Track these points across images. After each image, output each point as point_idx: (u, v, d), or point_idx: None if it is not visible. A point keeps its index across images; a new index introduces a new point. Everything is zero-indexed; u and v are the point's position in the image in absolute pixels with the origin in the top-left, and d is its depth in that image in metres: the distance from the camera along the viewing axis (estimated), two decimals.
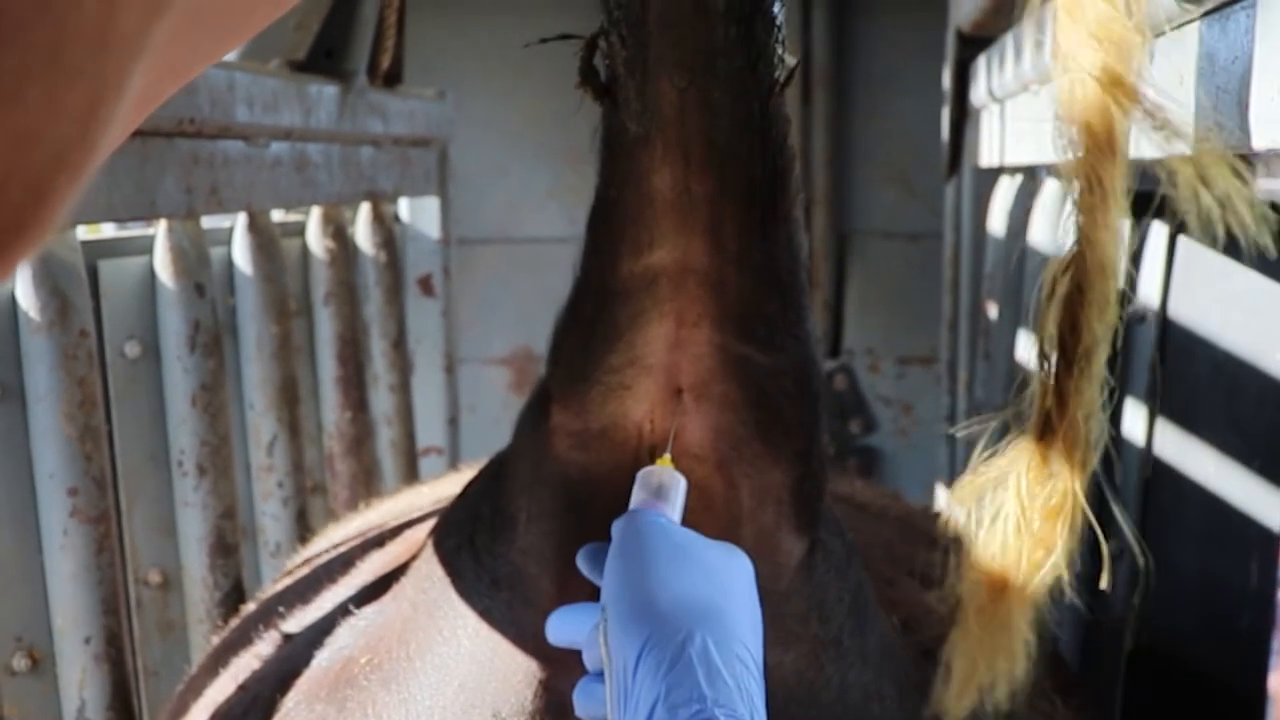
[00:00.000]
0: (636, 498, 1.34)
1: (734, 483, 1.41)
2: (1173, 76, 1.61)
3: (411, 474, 3.92)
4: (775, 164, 1.29)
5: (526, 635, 1.44)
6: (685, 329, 1.34)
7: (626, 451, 1.40)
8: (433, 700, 1.49)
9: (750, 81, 1.25)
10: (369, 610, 1.72)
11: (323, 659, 1.70)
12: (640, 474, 1.35)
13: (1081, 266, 1.17)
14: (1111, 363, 2.62)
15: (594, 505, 1.39)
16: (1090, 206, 1.14)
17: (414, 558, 1.69)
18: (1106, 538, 2.67)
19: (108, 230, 2.85)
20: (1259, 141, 1.31)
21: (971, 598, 1.14)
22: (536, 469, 1.45)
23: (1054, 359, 1.32)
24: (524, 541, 1.46)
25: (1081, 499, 1.23)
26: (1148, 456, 2.59)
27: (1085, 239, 1.11)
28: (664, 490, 1.33)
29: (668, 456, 1.36)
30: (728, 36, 1.23)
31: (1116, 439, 2.65)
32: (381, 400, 3.79)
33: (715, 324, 1.34)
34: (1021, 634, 1.19)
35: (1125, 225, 1.15)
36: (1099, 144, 1.24)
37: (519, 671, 1.44)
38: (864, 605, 1.56)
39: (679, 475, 1.35)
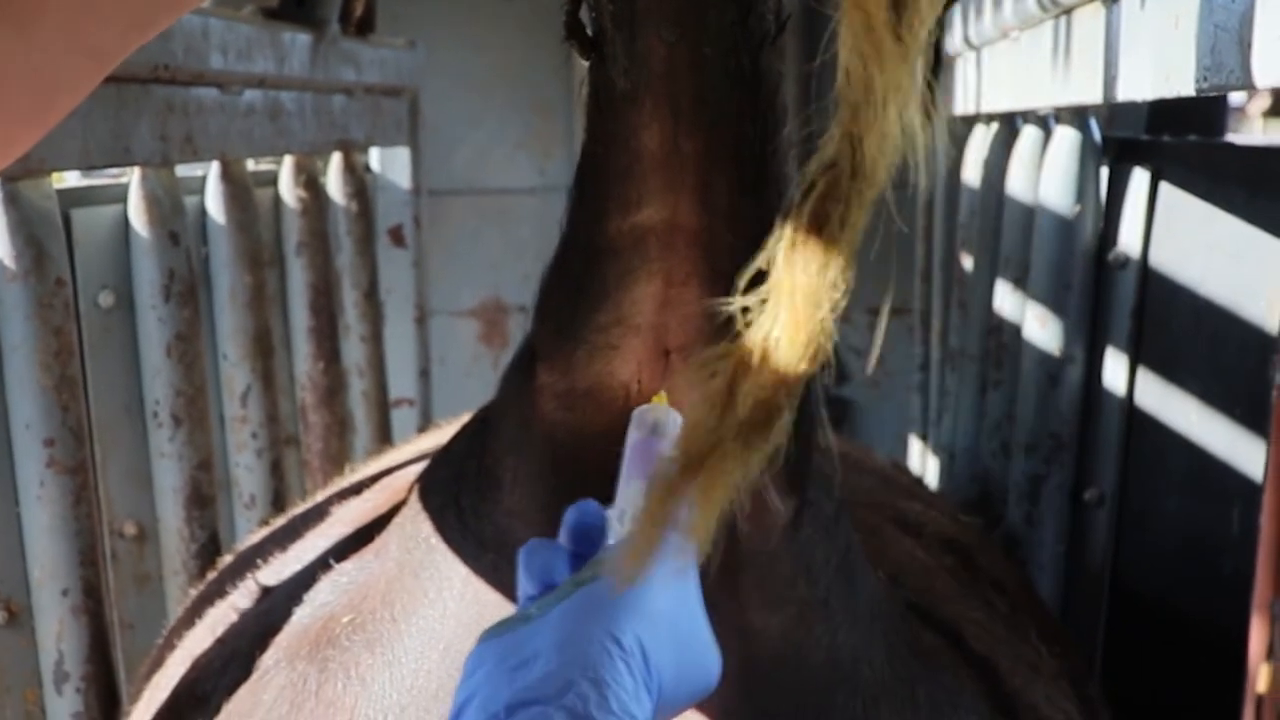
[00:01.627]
0: (633, 436, 1.31)
1: None
2: (1167, 18, 1.59)
3: (384, 426, 3.91)
4: (766, 121, 1.27)
5: (513, 598, 1.42)
6: (674, 288, 1.32)
7: (614, 412, 1.37)
8: (418, 664, 1.48)
9: (741, 36, 1.23)
10: (349, 565, 1.70)
11: (303, 615, 1.68)
12: (636, 412, 1.33)
13: (843, 171, 1.03)
14: (1092, 310, 2.64)
15: (581, 466, 1.37)
16: (864, 97, 1.00)
17: (396, 511, 1.68)
18: (1087, 485, 2.69)
19: (71, 179, 2.82)
20: (1262, 80, 1.30)
21: (668, 467, 1.05)
22: (522, 429, 1.43)
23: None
24: (510, 503, 1.45)
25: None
26: (1129, 404, 2.59)
27: (853, 139, 1.00)
28: (660, 427, 1.31)
29: (663, 394, 1.34)
30: None
31: (1097, 387, 2.66)
32: (353, 351, 3.77)
33: (704, 283, 1.31)
34: (710, 517, 1.08)
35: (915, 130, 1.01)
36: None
37: None
38: (853, 564, 1.54)
39: (675, 412, 1.33)
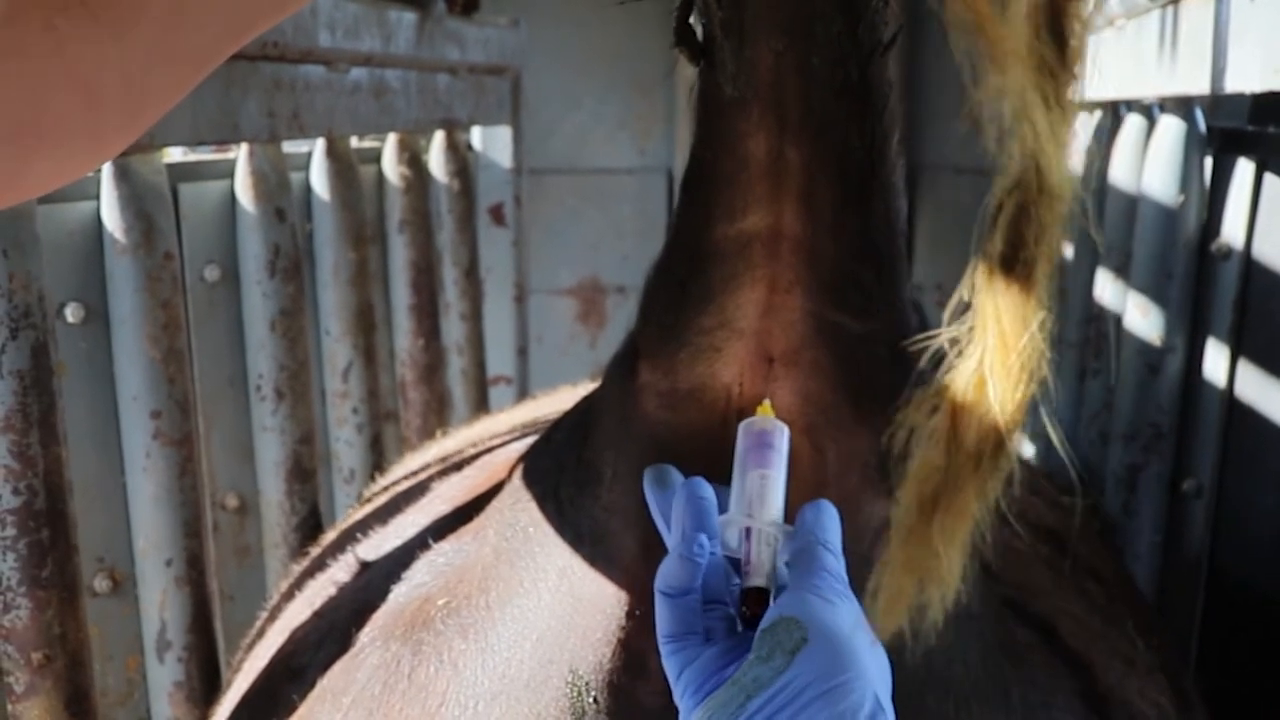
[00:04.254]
0: (741, 447, 1.32)
1: (820, 448, 1.39)
2: (1276, 11, 1.58)
3: (482, 403, 3.93)
4: (874, 132, 1.26)
5: (608, 592, 1.43)
6: (777, 295, 1.33)
7: (715, 414, 1.39)
8: (510, 652, 1.48)
9: (850, 46, 1.22)
10: (447, 546, 1.71)
11: (400, 594, 1.70)
12: (743, 424, 1.33)
13: (1029, 189, 1.06)
14: (1193, 301, 2.62)
15: (681, 466, 1.37)
16: (1042, 120, 1.02)
17: (495, 492, 1.69)
18: (1185, 475, 2.67)
19: (178, 154, 2.85)
20: None
21: (905, 513, 1.05)
22: (624, 426, 1.44)
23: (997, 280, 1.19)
24: (609, 498, 1.45)
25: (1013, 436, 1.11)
26: (1229, 396, 2.57)
27: (1033, 157, 1.01)
28: (768, 438, 1.32)
29: (768, 404, 1.35)
30: None
31: (1197, 378, 2.64)
32: (453, 328, 3.80)
33: (808, 291, 1.32)
34: (955, 554, 1.08)
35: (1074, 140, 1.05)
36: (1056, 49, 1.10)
37: (598, 629, 1.43)
38: None
39: (782, 424, 1.33)
